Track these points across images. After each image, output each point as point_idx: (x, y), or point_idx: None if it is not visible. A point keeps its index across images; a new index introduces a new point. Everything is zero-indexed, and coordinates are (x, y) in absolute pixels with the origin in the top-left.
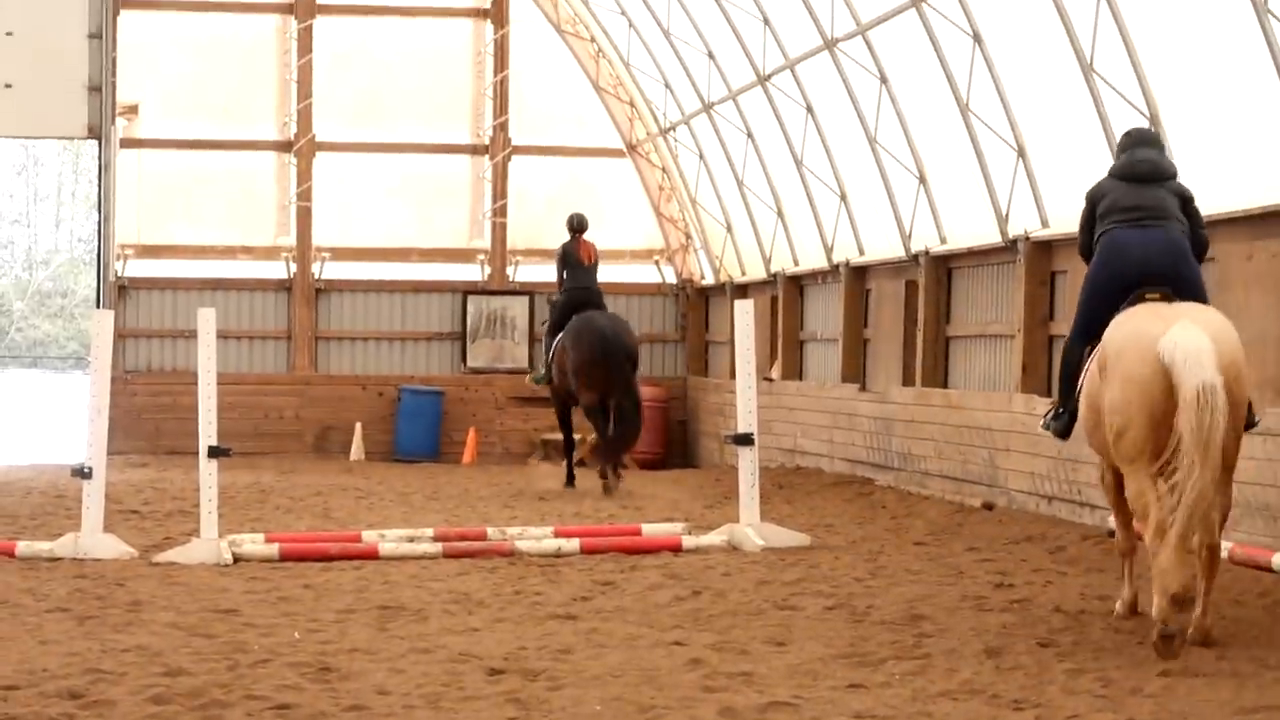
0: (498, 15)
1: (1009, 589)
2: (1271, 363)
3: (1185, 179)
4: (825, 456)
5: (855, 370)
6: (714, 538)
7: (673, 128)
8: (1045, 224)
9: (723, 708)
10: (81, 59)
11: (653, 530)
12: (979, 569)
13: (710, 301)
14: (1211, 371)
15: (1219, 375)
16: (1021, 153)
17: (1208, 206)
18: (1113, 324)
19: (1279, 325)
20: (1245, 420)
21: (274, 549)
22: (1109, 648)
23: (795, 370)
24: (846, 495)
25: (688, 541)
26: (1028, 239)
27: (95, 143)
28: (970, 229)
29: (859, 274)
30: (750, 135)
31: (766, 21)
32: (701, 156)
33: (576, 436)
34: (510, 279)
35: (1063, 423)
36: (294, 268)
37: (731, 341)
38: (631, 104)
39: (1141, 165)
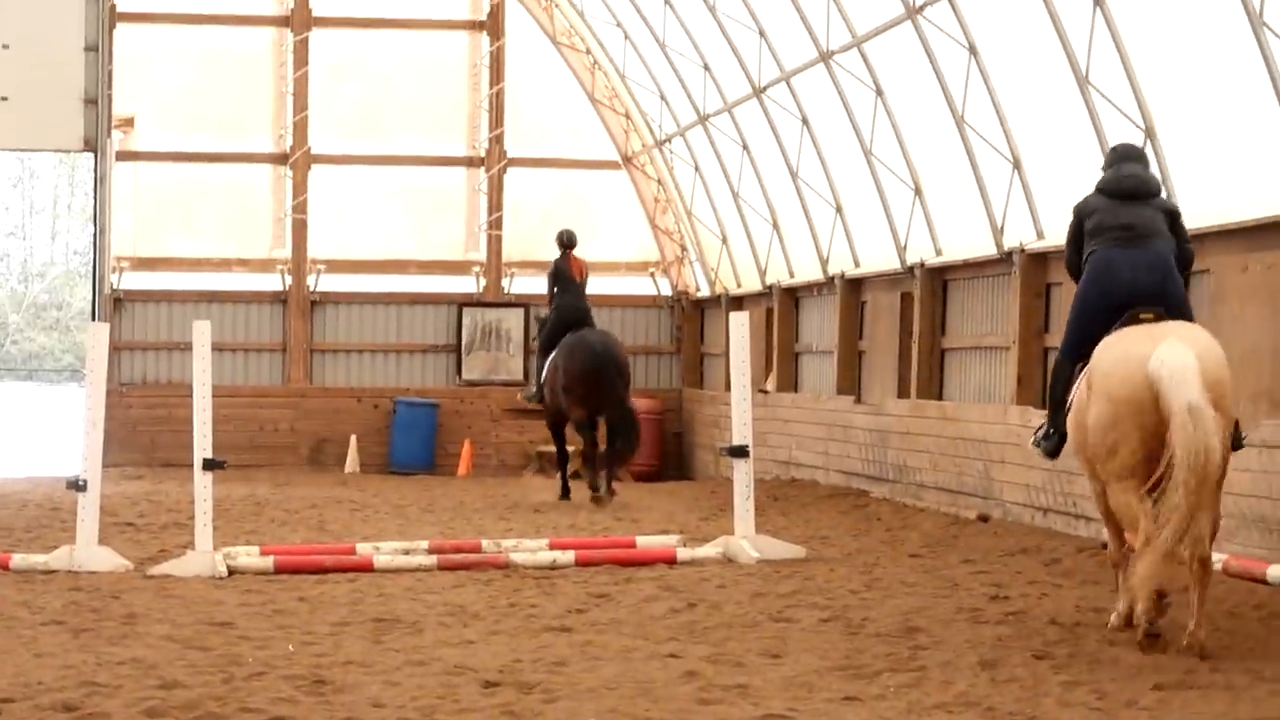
0: (493, 27)
1: (1004, 601)
2: (1266, 375)
3: (1181, 192)
4: (820, 469)
5: (850, 382)
6: (709, 550)
7: (668, 140)
8: (1040, 236)
9: None
10: (77, 71)
11: (648, 542)
12: (974, 581)
13: (705, 313)
14: (1197, 391)
15: (1204, 394)
16: (1017, 165)
17: (1203, 219)
18: (1102, 344)
19: (1273, 337)
20: (1233, 436)
21: (269, 562)
22: (1104, 660)
23: (790, 382)
24: (842, 507)
25: (683, 554)
26: (1023, 251)
27: (91, 155)
28: (965, 241)
29: (854, 286)
30: (746, 147)
31: (762, 34)
32: (697, 168)
33: (570, 449)
34: (505, 291)
35: (1053, 443)
36: (289, 280)
37: (727, 354)
38: (627, 116)
39: (1128, 181)
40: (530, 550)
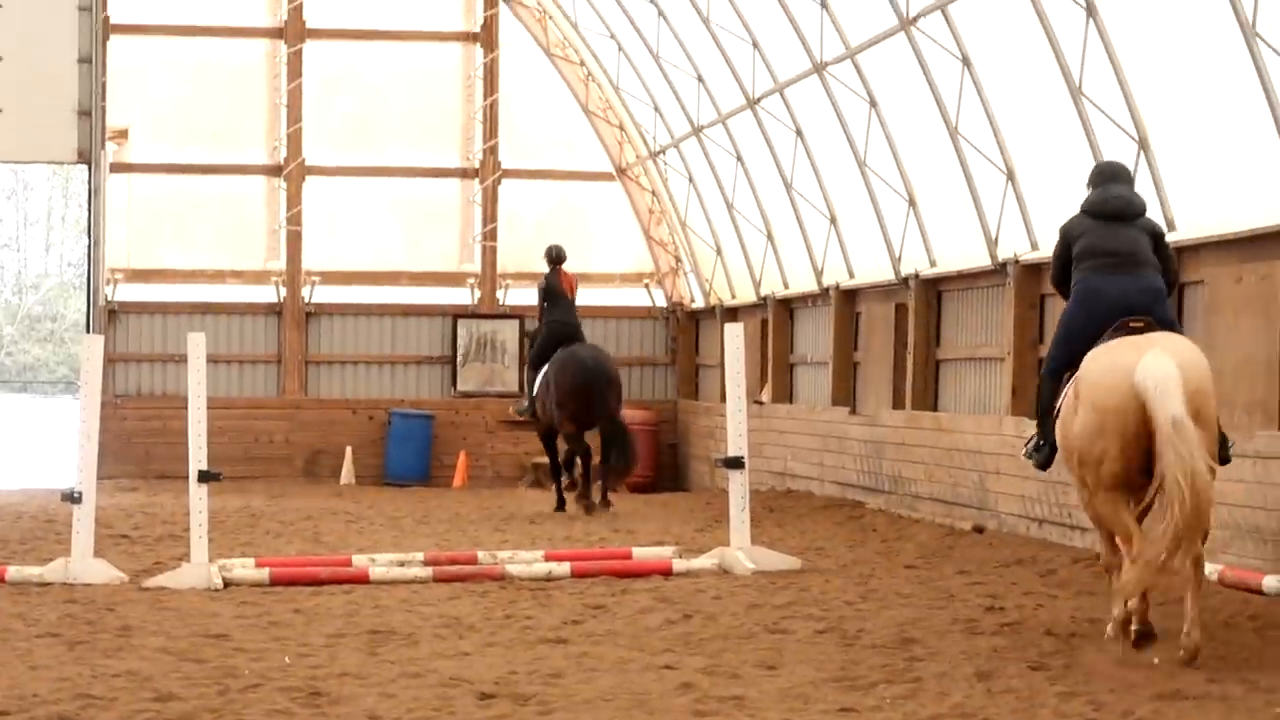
0: (487, 39)
1: (1000, 612)
2: (1260, 386)
3: (1174, 203)
4: (816, 480)
5: (845, 393)
6: (705, 561)
7: (662, 151)
8: (1035, 247)
9: None
10: (71, 83)
11: (643, 554)
12: (970, 592)
13: (700, 325)
14: (1179, 404)
15: (1186, 405)
16: (1010, 176)
17: (1196, 230)
18: (1089, 356)
19: (1267, 348)
20: (1219, 444)
21: (264, 573)
22: (1100, 671)
23: (785, 393)
24: (837, 518)
25: (678, 565)
26: (1017, 262)
27: (85, 167)
28: (960, 252)
29: (849, 297)
30: (740, 158)
31: (755, 45)
32: (691, 180)
33: (590, 458)
34: (500, 303)
35: (1044, 455)
36: (284, 292)
37: (722, 365)
38: (621, 127)
39: (1114, 203)
40: (526, 562)
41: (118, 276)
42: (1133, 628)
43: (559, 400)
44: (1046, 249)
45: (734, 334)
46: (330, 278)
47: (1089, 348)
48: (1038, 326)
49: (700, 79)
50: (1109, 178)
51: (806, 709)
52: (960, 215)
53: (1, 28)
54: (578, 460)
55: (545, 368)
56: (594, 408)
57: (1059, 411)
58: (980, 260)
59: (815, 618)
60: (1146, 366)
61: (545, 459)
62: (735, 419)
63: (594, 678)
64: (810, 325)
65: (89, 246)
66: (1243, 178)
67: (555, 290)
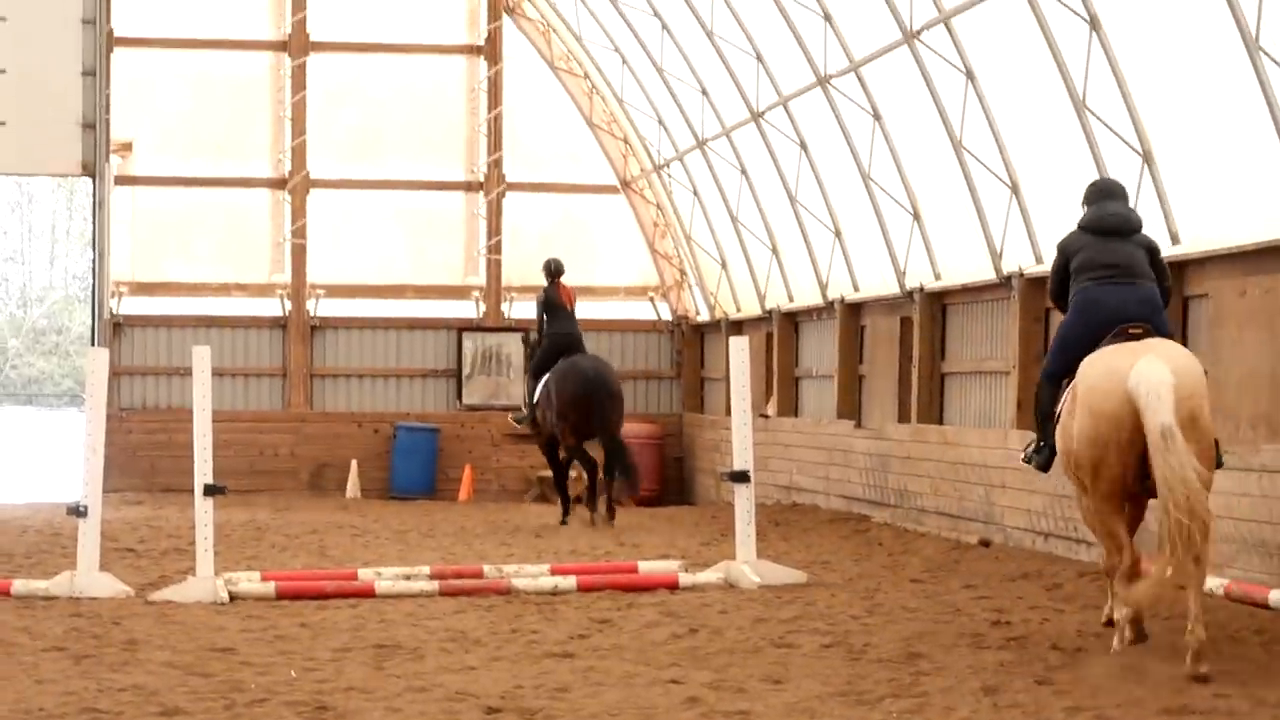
0: (491, 52)
1: (1006, 626)
2: (1265, 399)
3: (1178, 216)
4: (821, 493)
5: (851, 407)
6: (710, 575)
7: (667, 164)
8: (1039, 260)
9: None
10: (75, 96)
11: (649, 568)
12: (976, 606)
13: (705, 338)
14: (1170, 412)
15: (1177, 412)
16: (1015, 189)
17: (1200, 243)
18: (1086, 360)
19: (1272, 361)
20: (1214, 450)
21: (270, 587)
22: (1107, 685)
23: (791, 407)
24: (843, 532)
25: (684, 579)
26: (1022, 275)
27: (89, 180)
28: (964, 265)
29: (854, 310)
30: (744, 172)
31: (759, 59)
32: (695, 193)
33: (574, 474)
34: (505, 316)
35: (1044, 456)
36: (289, 305)
37: (727, 378)
38: (625, 140)
39: (1111, 219)
40: (532, 576)
41: (122, 290)
42: (1129, 636)
43: (560, 410)
44: (1051, 262)
45: (739, 347)
46: (335, 291)
47: (1087, 354)
48: (1042, 340)
49: (704, 92)
50: (1105, 195)
51: None
52: (964, 228)
53: (6, 41)
54: (578, 469)
55: (546, 376)
56: (594, 419)
57: (1059, 416)
58: (985, 274)
59: (821, 632)
60: (1141, 372)
61: (550, 473)
62: (740, 432)
63: (600, 692)
64: (815, 338)
65: (94, 260)
66: (1247, 191)
67: (554, 303)
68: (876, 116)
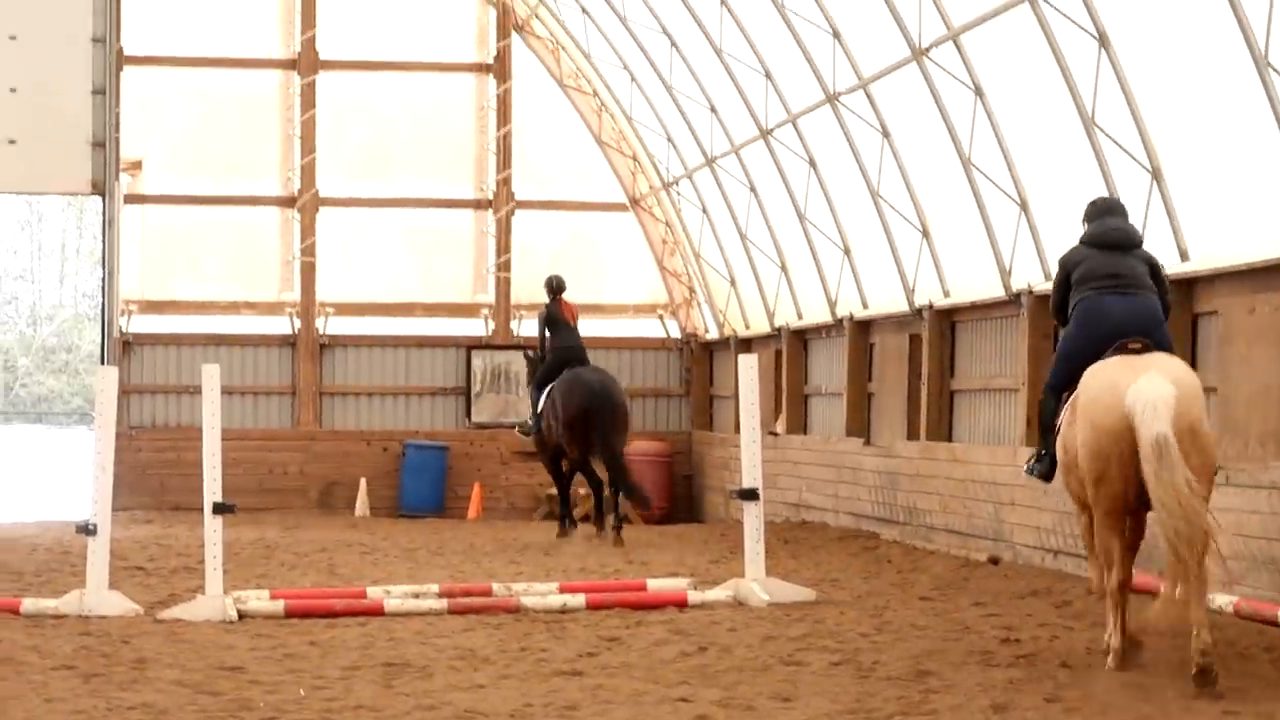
0: (500, 70)
1: (1015, 644)
2: (1274, 416)
3: (1187, 233)
4: (830, 511)
5: (860, 424)
6: (719, 593)
7: (675, 182)
8: (1048, 278)
9: None
10: (85, 115)
11: (658, 585)
12: (985, 624)
13: (714, 356)
14: (1165, 424)
15: (1171, 426)
16: (1024, 206)
17: (1210, 260)
18: (1087, 373)
19: None
20: (1214, 465)
21: (279, 605)
22: (1116, 703)
23: (800, 424)
24: (852, 550)
25: (693, 597)
26: (1031, 292)
27: (99, 198)
28: (973, 282)
29: (863, 328)
30: (753, 189)
31: (768, 76)
32: (704, 210)
33: (583, 491)
34: (514, 334)
35: (1045, 465)
36: (298, 323)
37: (736, 396)
38: (634, 158)
39: (1113, 234)
40: (541, 594)
41: (132, 308)
42: (1116, 645)
43: (566, 421)
44: None
45: (748, 365)
46: (344, 309)
47: (1090, 362)
48: (1051, 357)
49: (713, 109)
50: (1105, 211)
51: None
52: (974, 246)
53: (16, 60)
54: (586, 490)
55: (550, 387)
56: (599, 430)
57: (1059, 428)
58: (994, 291)
59: (830, 650)
60: (1139, 388)
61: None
62: (750, 450)
63: (609, 710)
64: (824, 356)
65: (103, 278)
66: (1256, 208)
67: (557, 318)
68: (885, 134)
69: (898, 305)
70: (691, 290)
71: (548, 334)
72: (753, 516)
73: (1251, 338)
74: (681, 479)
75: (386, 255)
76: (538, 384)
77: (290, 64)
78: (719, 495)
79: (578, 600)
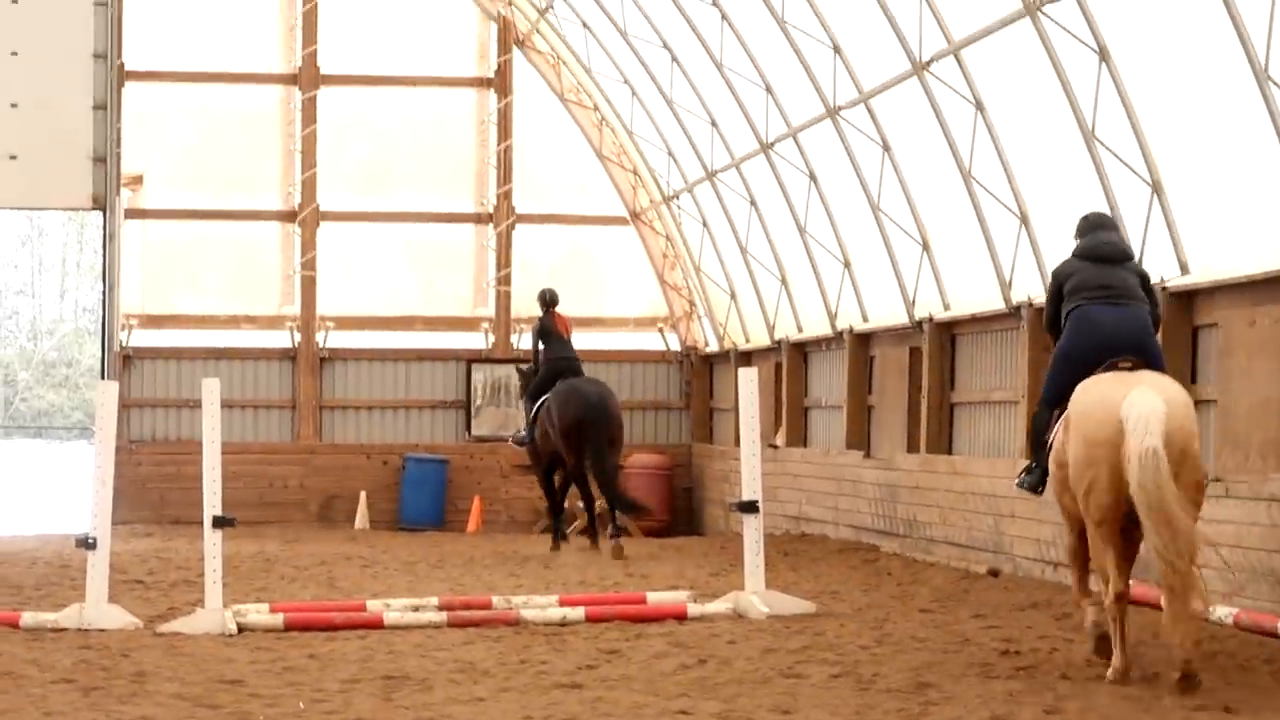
0: (501, 85)
1: (1015, 656)
2: (1274, 428)
3: (1187, 246)
4: (830, 523)
5: (860, 437)
6: (719, 605)
7: (676, 195)
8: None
9: None
10: (86, 130)
11: (658, 598)
12: (985, 636)
13: (715, 368)
14: (1156, 436)
15: (1161, 439)
16: (1024, 219)
17: (1210, 273)
18: (1079, 388)
19: None
20: (1204, 482)
21: (279, 619)
22: (1116, 715)
23: (800, 437)
24: (852, 562)
25: (693, 609)
26: (1031, 305)
27: (100, 213)
28: (974, 295)
29: (863, 341)
30: (753, 203)
31: (769, 90)
32: (705, 224)
33: (580, 504)
34: (515, 347)
35: (1035, 477)
36: (298, 337)
37: (736, 409)
38: (635, 172)
39: (1105, 248)
40: (540, 606)
41: (132, 322)
42: (1119, 663)
43: (562, 430)
44: None
45: (748, 378)
46: (344, 323)
47: (1084, 376)
48: None
49: (714, 123)
50: (1096, 226)
51: None
52: (974, 259)
53: (17, 75)
54: (574, 498)
55: (545, 397)
56: (591, 443)
57: (1050, 443)
58: (994, 303)
59: (830, 662)
60: (1133, 401)
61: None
62: (750, 463)
63: None
64: (824, 369)
65: (104, 292)
66: (1256, 221)
67: (550, 331)
68: (886, 147)
69: (898, 318)
70: (692, 303)
71: (541, 346)
72: (752, 529)
73: (1252, 350)
74: (681, 492)
75: (387, 269)
76: (531, 395)
77: (291, 79)
78: (719, 508)
79: (577, 613)
